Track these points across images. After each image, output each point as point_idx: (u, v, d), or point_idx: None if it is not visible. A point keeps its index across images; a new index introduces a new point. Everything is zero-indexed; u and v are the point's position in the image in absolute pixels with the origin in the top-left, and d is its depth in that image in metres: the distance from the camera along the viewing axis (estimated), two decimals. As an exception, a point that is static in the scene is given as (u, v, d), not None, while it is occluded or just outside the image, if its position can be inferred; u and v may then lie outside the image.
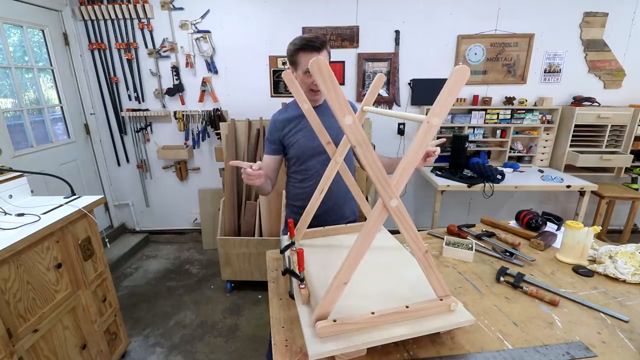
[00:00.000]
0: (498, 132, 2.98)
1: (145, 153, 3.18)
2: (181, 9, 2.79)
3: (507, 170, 2.79)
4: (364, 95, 1.28)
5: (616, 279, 1.05)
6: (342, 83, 2.96)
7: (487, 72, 2.92)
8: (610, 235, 3.21)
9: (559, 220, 1.46)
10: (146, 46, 2.87)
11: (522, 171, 2.88)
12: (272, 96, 3.01)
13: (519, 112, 2.89)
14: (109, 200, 3.28)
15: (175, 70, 2.90)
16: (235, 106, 3.01)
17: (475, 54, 2.87)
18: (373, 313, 0.74)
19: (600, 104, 2.83)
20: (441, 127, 2.93)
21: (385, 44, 2.87)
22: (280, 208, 2.52)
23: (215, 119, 2.94)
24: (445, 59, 2.90)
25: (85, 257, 1.61)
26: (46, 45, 2.69)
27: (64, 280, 1.48)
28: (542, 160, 3.04)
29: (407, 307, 0.75)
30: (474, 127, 2.97)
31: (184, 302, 2.48)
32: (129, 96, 3.00)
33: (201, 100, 3.00)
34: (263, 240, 2.47)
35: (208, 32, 2.84)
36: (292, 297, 0.95)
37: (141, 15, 2.76)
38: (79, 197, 1.67)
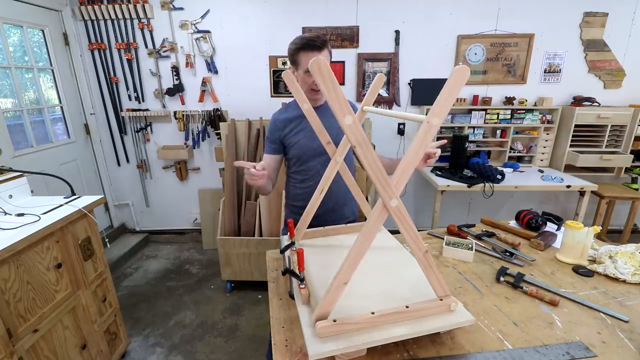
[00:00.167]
0: (498, 132, 2.98)
1: (145, 153, 3.18)
2: (181, 9, 2.79)
3: (507, 170, 2.79)
4: (364, 95, 1.28)
5: (616, 279, 1.05)
6: (342, 83, 2.96)
7: (487, 72, 2.92)
8: (610, 235, 3.21)
9: (559, 220, 1.46)
10: (146, 46, 2.87)
11: (522, 171, 2.88)
12: (272, 96, 3.01)
13: (519, 112, 2.89)
14: (109, 200, 3.28)
15: (175, 70, 2.90)
16: (235, 106, 3.01)
17: (475, 54, 2.87)
18: (373, 313, 0.74)
19: (600, 104, 2.83)
20: (441, 127, 2.93)
21: (385, 44, 2.87)
22: (280, 208, 2.52)
23: (215, 119, 2.94)
24: (445, 59, 2.90)
25: (85, 257, 1.61)
26: (46, 45, 2.69)
27: (64, 280, 1.48)
28: (542, 160, 3.04)
29: (407, 307, 0.75)
30: (474, 127, 2.97)
31: (184, 302, 2.48)
32: (129, 96, 3.00)
33: (201, 100, 3.00)
34: (263, 240, 2.47)
35: (208, 32, 2.84)
36: (292, 297, 0.95)
37: (141, 15, 2.76)
38: (79, 197, 1.67)
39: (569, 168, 2.91)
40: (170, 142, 3.13)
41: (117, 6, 2.70)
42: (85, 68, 2.93)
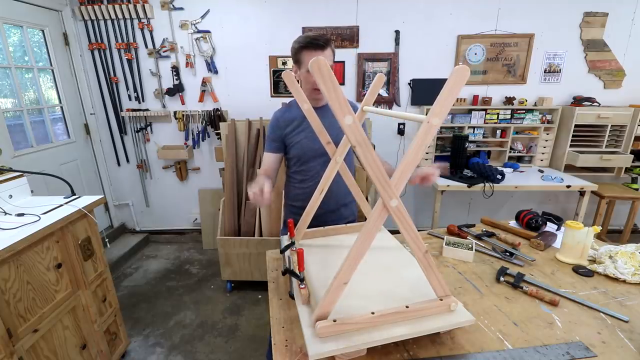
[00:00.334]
0: (498, 132, 2.98)
1: (145, 153, 3.18)
2: (181, 9, 2.79)
3: (507, 170, 2.79)
4: (364, 95, 1.27)
5: (616, 279, 1.05)
6: (342, 83, 2.96)
7: (487, 72, 2.92)
8: (610, 235, 3.21)
9: (559, 220, 1.46)
10: (146, 46, 2.87)
11: (522, 171, 2.88)
12: (272, 96, 3.01)
13: (519, 112, 2.89)
14: (109, 200, 3.28)
15: (175, 70, 2.90)
16: (235, 106, 3.01)
17: (475, 54, 2.87)
18: (373, 313, 0.74)
19: (600, 104, 2.83)
20: (441, 127, 2.93)
21: (385, 44, 2.87)
22: (280, 208, 2.52)
23: (215, 119, 2.94)
24: (445, 59, 2.90)
25: (85, 257, 1.61)
26: (46, 45, 2.69)
27: (64, 280, 1.48)
28: (542, 160, 3.04)
29: (407, 307, 0.75)
30: (474, 127, 2.97)
31: (184, 302, 2.48)
32: (129, 96, 3.00)
33: (201, 100, 3.00)
34: (263, 240, 2.47)
35: (208, 32, 2.84)
36: (292, 297, 0.95)
37: (141, 15, 2.76)
38: (79, 197, 1.67)
39: (569, 168, 2.91)
40: (170, 142, 3.13)
41: (117, 6, 2.70)
42: (85, 68, 2.93)
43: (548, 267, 1.15)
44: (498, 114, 2.90)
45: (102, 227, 3.22)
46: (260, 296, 2.52)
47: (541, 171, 2.86)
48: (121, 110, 3.02)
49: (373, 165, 0.63)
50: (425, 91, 2.96)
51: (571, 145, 2.85)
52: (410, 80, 2.96)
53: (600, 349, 0.78)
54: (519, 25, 2.79)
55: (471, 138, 2.97)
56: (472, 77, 2.92)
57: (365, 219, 0.71)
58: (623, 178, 3.04)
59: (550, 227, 1.44)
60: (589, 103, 2.81)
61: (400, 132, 3.07)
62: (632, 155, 2.79)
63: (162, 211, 3.40)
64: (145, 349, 2.04)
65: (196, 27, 2.83)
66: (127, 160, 3.20)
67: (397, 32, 2.83)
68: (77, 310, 1.55)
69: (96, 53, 2.89)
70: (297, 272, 0.86)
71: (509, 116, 2.90)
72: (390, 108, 3.01)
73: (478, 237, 1.38)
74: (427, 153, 3.03)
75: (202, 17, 2.81)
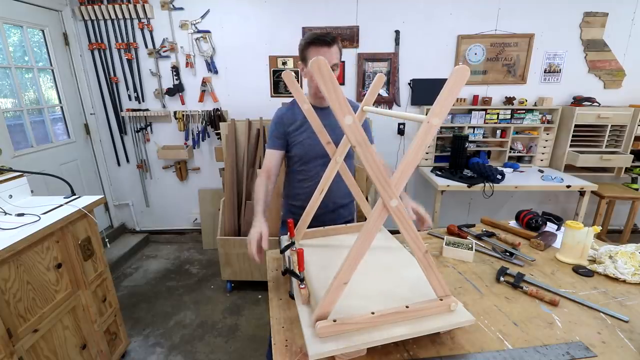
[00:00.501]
0: (498, 132, 2.98)
1: (145, 153, 3.18)
2: (181, 9, 2.79)
3: (507, 170, 2.79)
4: (364, 95, 1.27)
5: (616, 279, 1.05)
6: (342, 83, 2.96)
7: (487, 72, 2.92)
8: (610, 235, 3.21)
9: (559, 220, 1.46)
10: (146, 46, 2.87)
11: (522, 171, 2.88)
12: (272, 96, 3.01)
13: (519, 112, 2.89)
14: (109, 200, 3.28)
15: (175, 70, 2.90)
16: (235, 106, 3.01)
17: (475, 54, 2.87)
18: (373, 313, 0.74)
19: (600, 104, 2.83)
20: (441, 127, 2.93)
21: (385, 44, 2.87)
22: (279, 208, 2.52)
23: (215, 119, 2.94)
24: (445, 59, 2.90)
25: (85, 257, 1.61)
26: (46, 45, 2.69)
27: (64, 280, 1.48)
28: (542, 160, 3.04)
29: (407, 307, 0.76)
30: (474, 127, 2.97)
31: (184, 302, 2.48)
32: (129, 96, 3.00)
33: (201, 100, 3.00)
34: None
35: (208, 32, 2.84)
36: (292, 297, 0.95)
37: (141, 15, 2.76)
38: (79, 197, 1.67)
39: (569, 168, 2.91)
40: (170, 142, 3.13)
41: (117, 6, 2.70)
42: (85, 68, 2.93)
43: (548, 267, 1.15)
44: (498, 114, 2.90)
45: (102, 227, 3.21)
46: (260, 296, 2.52)
47: (541, 171, 2.86)
48: (121, 110, 3.02)
49: (373, 165, 0.63)
50: (425, 91, 2.96)
51: (571, 145, 2.85)
52: (410, 80, 2.96)
53: (600, 349, 0.78)
54: (519, 25, 2.79)
55: (471, 138, 2.97)
56: (472, 77, 2.92)
57: (365, 219, 0.71)
58: (623, 178, 3.04)
59: (550, 227, 1.44)
60: (589, 103, 2.82)
61: (400, 132, 3.07)
62: (632, 155, 2.79)
63: (162, 211, 3.40)
64: (145, 349, 2.04)
65: (196, 27, 2.83)
66: (127, 160, 3.20)
67: (397, 32, 2.83)
68: (77, 310, 1.55)
69: (96, 53, 2.89)
70: (297, 272, 0.86)
71: (509, 116, 2.90)
72: (390, 108, 3.01)
73: (478, 237, 1.38)
74: (427, 153, 3.03)
75: (202, 17, 2.81)
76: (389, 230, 1.20)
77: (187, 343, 2.08)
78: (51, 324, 1.40)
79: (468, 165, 2.82)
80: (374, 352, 0.76)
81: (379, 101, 2.98)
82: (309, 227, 1.16)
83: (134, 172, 3.24)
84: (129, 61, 2.90)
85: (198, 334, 2.16)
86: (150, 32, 2.84)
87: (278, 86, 2.98)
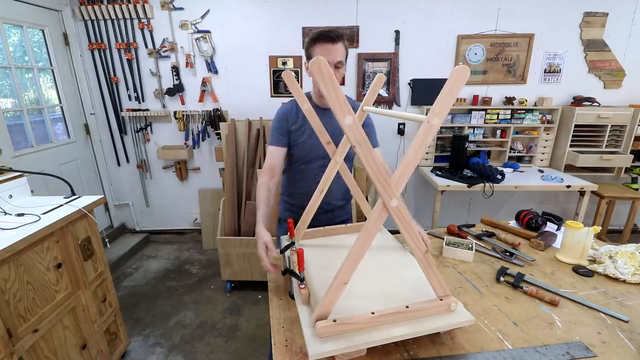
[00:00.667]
0: (498, 132, 2.98)
1: (145, 153, 3.18)
2: (181, 9, 2.79)
3: (507, 170, 2.79)
4: (364, 95, 1.27)
5: (616, 279, 1.05)
6: (342, 83, 2.96)
7: (487, 72, 2.92)
8: (610, 235, 3.21)
9: (559, 220, 1.46)
10: (146, 46, 2.87)
11: (522, 171, 2.88)
12: (272, 96, 3.01)
13: (519, 112, 2.89)
14: (109, 200, 3.28)
15: (175, 70, 2.90)
16: (235, 106, 3.01)
17: (475, 54, 2.87)
18: (373, 313, 0.74)
19: (600, 104, 2.83)
20: (441, 127, 2.93)
21: (385, 44, 2.87)
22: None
23: (215, 119, 2.94)
24: (445, 59, 2.90)
25: (85, 257, 1.61)
26: (46, 45, 2.69)
27: (64, 280, 1.48)
28: (542, 160, 3.04)
29: (407, 307, 0.76)
30: (474, 127, 2.97)
31: (184, 302, 2.48)
32: (129, 96, 3.00)
33: (201, 100, 3.00)
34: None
35: (208, 32, 2.84)
36: (292, 297, 0.95)
37: (141, 15, 2.76)
38: (79, 197, 1.67)
39: (569, 168, 2.91)
40: (170, 142, 3.13)
41: (117, 6, 2.70)
42: (85, 68, 2.93)
43: (548, 267, 1.15)
44: (498, 114, 2.90)
45: (102, 227, 3.21)
46: (260, 296, 2.52)
47: (541, 171, 2.86)
48: (121, 110, 3.02)
49: (373, 165, 0.63)
50: (425, 91, 2.96)
51: (571, 145, 2.85)
52: (410, 80, 2.96)
53: (600, 349, 0.78)
54: (519, 25, 2.79)
55: (471, 138, 2.97)
56: (472, 77, 2.92)
57: (365, 219, 0.71)
58: (623, 178, 3.04)
59: (550, 227, 1.45)
60: (589, 103, 2.81)
61: (400, 132, 3.07)
62: (632, 155, 2.79)
63: (162, 211, 3.40)
64: (145, 349, 2.04)
65: (196, 27, 2.83)
66: (127, 160, 3.20)
67: (397, 32, 2.83)
68: (77, 310, 1.55)
69: (96, 53, 2.89)
70: (297, 272, 0.86)
71: (509, 116, 2.90)
72: (390, 108, 3.01)
73: (478, 237, 1.38)
74: (427, 153, 3.03)
75: (202, 17, 2.81)
76: (389, 230, 1.20)
77: (187, 343, 2.08)
78: (51, 324, 1.40)
79: (468, 165, 2.82)
80: (374, 352, 0.76)
81: (379, 101, 2.98)
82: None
83: (134, 172, 3.24)
84: (129, 61, 2.90)
85: (198, 334, 2.16)
86: (150, 32, 2.83)
87: (278, 86, 2.98)
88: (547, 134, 2.97)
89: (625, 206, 3.09)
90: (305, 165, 1.35)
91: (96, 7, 2.70)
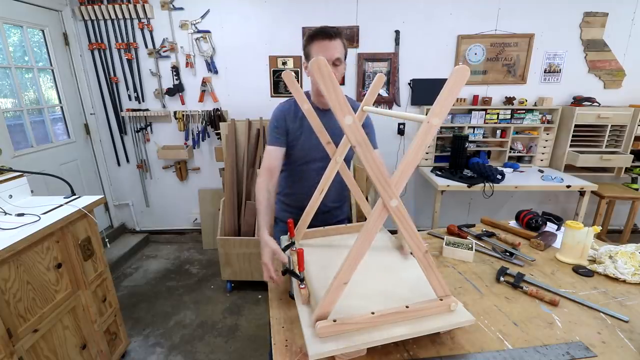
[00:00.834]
0: (498, 132, 2.98)
1: (145, 153, 3.18)
2: (181, 9, 2.79)
3: (507, 170, 2.79)
4: (364, 95, 1.27)
5: (616, 279, 1.05)
6: (342, 83, 2.96)
7: (487, 72, 2.92)
8: (610, 235, 3.21)
9: (559, 220, 1.46)
10: (146, 46, 2.87)
11: (522, 171, 2.88)
12: (272, 96, 3.01)
13: (519, 112, 2.89)
14: (109, 200, 3.28)
15: (175, 70, 2.90)
16: (235, 106, 3.01)
17: (475, 54, 2.87)
18: (373, 313, 0.74)
19: (600, 104, 2.83)
20: (441, 127, 2.93)
21: (385, 44, 2.87)
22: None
23: (215, 119, 2.94)
24: (445, 59, 2.90)
25: (85, 257, 1.61)
26: (46, 45, 2.69)
27: (64, 280, 1.48)
28: (542, 160, 3.04)
29: (407, 307, 0.75)
30: (474, 127, 2.97)
31: (184, 302, 2.48)
32: (129, 96, 3.00)
33: (201, 100, 3.00)
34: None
35: (208, 32, 2.84)
36: (292, 297, 0.95)
37: (141, 15, 2.76)
38: (79, 197, 1.67)
39: (569, 168, 2.91)
40: (170, 142, 3.13)
41: (117, 6, 2.70)
42: (85, 68, 2.93)
43: (548, 267, 1.15)
44: (498, 114, 2.90)
45: (102, 227, 3.21)
46: (260, 296, 2.52)
47: (541, 171, 2.86)
48: (121, 110, 3.02)
49: (373, 165, 0.63)
50: (425, 91, 2.96)
51: (571, 145, 2.85)
52: (410, 80, 2.96)
53: (600, 349, 0.78)
54: (519, 25, 2.79)
55: (471, 138, 2.97)
56: (472, 77, 2.92)
57: (365, 219, 0.71)
58: (623, 178, 3.04)
59: (550, 227, 1.44)
60: (589, 103, 2.81)
61: (400, 132, 3.07)
62: (632, 155, 2.79)
63: (162, 211, 3.40)
64: (145, 349, 2.04)
65: (196, 27, 2.83)
66: (127, 160, 3.20)
67: (397, 32, 2.83)
68: (77, 310, 1.55)
69: (96, 53, 2.89)
70: (297, 272, 0.86)
71: (509, 116, 2.90)
72: (390, 108, 3.01)
73: (478, 237, 1.38)
74: (427, 153, 3.03)
75: (202, 17, 2.81)
76: (389, 230, 1.20)
77: (187, 343, 2.08)
78: (51, 324, 1.40)
79: (468, 165, 2.82)
80: (374, 352, 0.76)
81: (379, 101, 2.98)
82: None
83: (134, 172, 3.24)
84: (129, 61, 2.90)
85: (198, 334, 2.16)
86: (150, 32, 2.84)
87: (278, 86, 2.98)
88: (547, 134, 2.97)
89: (625, 206, 3.09)
90: (304, 166, 1.32)
91: (96, 7, 2.70)
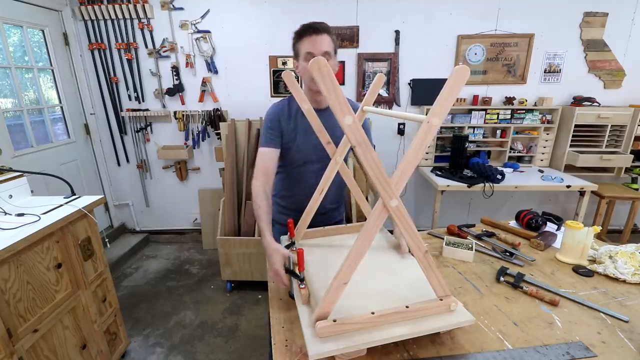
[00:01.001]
0: (498, 132, 2.98)
1: (145, 153, 3.18)
2: (181, 9, 2.79)
3: (507, 170, 2.79)
4: (364, 95, 1.27)
5: (616, 279, 1.05)
6: (342, 83, 2.96)
7: (487, 72, 2.92)
8: (610, 235, 3.21)
9: (559, 220, 1.46)
10: (146, 46, 2.87)
11: (522, 171, 2.88)
12: (272, 96, 3.01)
13: (519, 112, 2.89)
14: (109, 200, 3.28)
15: (175, 70, 2.90)
16: (235, 106, 3.01)
17: (475, 54, 2.87)
18: (373, 313, 0.74)
19: (600, 104, 2.83)
20: (441, 127, 2.93)
21: (385, 44, 2.87)
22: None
23: (215, 119, 2.94)
24: (445, 59, 2.90)
25: (85, 257, 1.61)
26: (46, 45, 2.69)
27: (64, 280, 1.48)
28: (542, 160, 3.04)
29: (407, 307, 0.76)
30: (474, 127, 2.97)
31: (184, 302, 2.48)
32: (129, 96, 3.00)
33: (201, 100, 3.00)
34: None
35: (208, 32, 2.84)
36: (292, 297, 0.95)
37: (141, 15, 2.76)
38: (79, 197, 1.67)
39: (569, 168, 2.91)
40: (170, 142, 3.12)
41: (117, 6, 2.70)
42: (85, 68, 2.93)
43: (548, 267, 1.15)
44: (498, 114, 2.90)
45: (102, 227, 3.21)
46: (260, 296, 2.52)
47: (541, 171, 2.86)
48: (121, 110, 3.02)
49: (373, 166, 0.63)
50: (425, 91, 2.96)
51: (571, 145, 2.85)
52: (410, 80, 2.96)
53: (600, 349, 0.78)
54: (519, 25, 2.79)
55: (471, 138, 2.97)
56: (472, 77, 2.92)
57: (365, 219, 0.71)
58: (623, 178, 3.04)
59: (550, 227, 1.44)
60: (589, 103, 2.81)
61: (400, 132, 3.07)
62: (632, 155, 2.79)
63: (162, 211, 3.40)
64: (145, 349, 2.04)
65: (196, 27, 2.83)
66: (127, 160, 3.20)
67: (397, 32, 2.83)
68: (77, 310, 1.55)
69: (96, 53, 2.89)
70: (297, 272, 0.86)
71: (509, 116, 2.90)
72: (390, 108, 3.01)
73: (478, 237, 1.38)
74: (427, 153, 3.03)
75: (202, 17, 2.81)
76: (389, 231, 1.20)
77: (187, 343, 2.08)
78: (51, 324, 1.40)
79: (468, 165, 2.82)
80: (374, 352, 0.76)
81: (379, 101, 2.98)
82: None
83: (134, 172, 3.24)
84: (129, 61, 2.90)
85: (198, 334, 2.16)
86: (150, 32, 2.83)
87: (278, 86, 2.98)
88: (547, 134, 2.97)
89: (625, 206, 3.09)
90: (301, 167, 1.29)
91: (96, 7, 2.70)
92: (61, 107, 2.85)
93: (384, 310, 0.75)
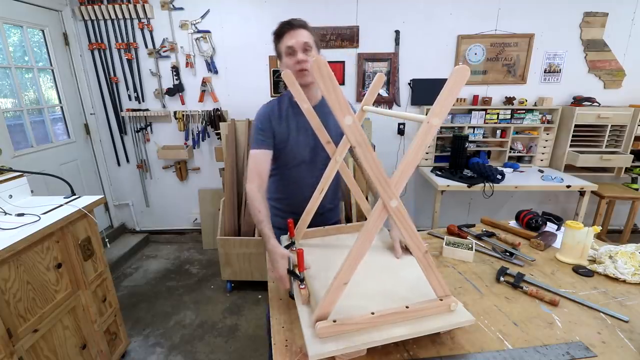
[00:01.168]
0: (498, 132, 2.98)
1: (145, 153, 3.18)
2: (181, 9, 2.79)
3: (507, 170, 2.79)
4: (364, 95, 1.27)
5: (616, 279, 1.05)
6: (342, 83, 2.96)
7: (487, 72, 2.92)
8: (610, 235, 3.21)
9: (559, 220, 1.46)
10: (146, 46, 2.87)
11: (522, 171, 2.88)
12: (272, 96, 3.01)
13: (519, 112, 2.89)
14: (109, 200, 3.28)
15: (175, 70, 2.90)
16: (235, 106, 3.01)
17: (475, 54, 2.87)
18: (373, 313, 0.74)
19: (600, 104, 2.83)
20: (441, 127, 2.93)
21: (385, 44, 2.87)
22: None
23: (215, 119, 2.94)
24: (445, 59, 2.90)
25: (85, 257, 1.61)
26: (46, 45, 2.69)
27: (64, 280, 1.48)
28: (542, 160, 3.04)
29: (407, 307, 0.76)
30: (474, 127, 2.97)
31: (184, 302, 2.48)
32: (129, 96, 3.00)
33: (201, 100, 3.00)
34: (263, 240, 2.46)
35: (208, 32, 2.84)
36: (292, 297, 0.95)
37: (141, 15, 2.76)
38: (79, 197, 1.67)
39: (569, 168, 2.91)
40: (170, 142, 3.12)
41: (117, 6, 2.70)
42: (85, 68, 2.93)
43: (548, 267, 1.15)
44: (498, 114, 2.90)
45: (102, 227, 3.21)
46: (260, 296, 2.52)
47: (541, 171, 2.86)
48: (121, 110, 3.02)
49: (373, 166, 0.63)
50: (425, 91, 2.96)
51: (571, 145, 2.85)
52: (410, 80, 2.96)
53: (600, 349, 0.78)
54: (519, 25, 2.79)
55: (471, 138, 2.97)
56: (472, 77, 2.92)
57: (365, 219, 0.71)
58: (623, 178, 3.04)
59: (550, 227, 1.44)
60: (589, 103, 2.81)
61: (400, 132, 3.07)
62: (632, 155, 2.79)
63: (162, 211, 3.40)
64: (145, 349, 2.04)
65: (196, 27, 2.83)
66: (127, 160, 3.20)
67: (397, 32, 2.83)
68: (77, 310, 1.55)
69: (96, 53, 2.89)
70: (297, 272, 0.86)
71: (509, 116, 2.90)
72: (390, 108, 3.01)
73: (478, 237, 1.38)
74: (427, 153, 3.03)
75: (202, 17, 2.81)
76: (389, 231, 1.20)
77: (187, 343, 2.08)
78: (51, 324, 1.40)
79: (468, 165, 2.82)
80: (374, 352, 0.76)
81: (379, 101, 2.98)
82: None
83: (134, 172, 3.24)
84: (129, 61, 2.90)
85: (198, 334, 2.15)
86: (150, 32, 2.83)
87: (278, 86, 2.98)
88: (547, 134, 2.97)
89: (625, 206, 3.09)
90: (295, 168, 1.27)
91: (96, 7, 2.70)
92: (61, 107, 2.85)
93: (384, 310, 0.75)
